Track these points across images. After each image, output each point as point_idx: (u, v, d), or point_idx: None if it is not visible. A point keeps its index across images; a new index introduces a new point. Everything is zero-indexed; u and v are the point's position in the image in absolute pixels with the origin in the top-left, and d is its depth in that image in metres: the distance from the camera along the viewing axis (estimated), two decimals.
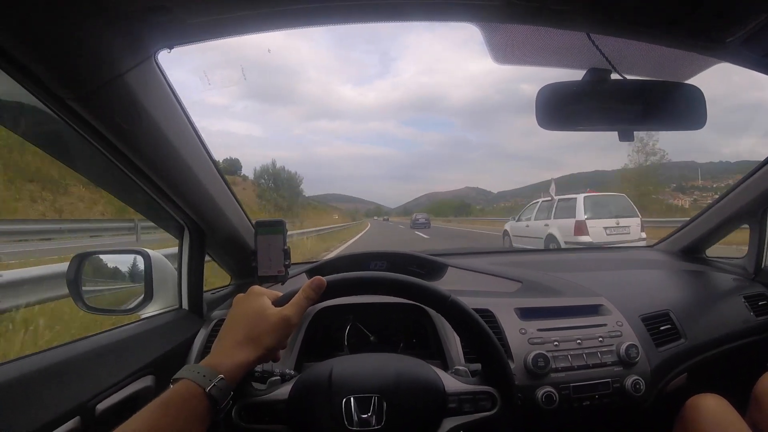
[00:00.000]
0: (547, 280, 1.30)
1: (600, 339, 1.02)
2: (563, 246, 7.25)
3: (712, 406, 0.94)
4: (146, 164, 0.79)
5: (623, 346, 0.99)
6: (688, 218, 1.70)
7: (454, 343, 1.00)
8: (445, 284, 1.30)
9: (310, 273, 1.29)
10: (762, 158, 1.30)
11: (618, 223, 7.59)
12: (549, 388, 0.93)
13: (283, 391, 0.69)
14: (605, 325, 1.06)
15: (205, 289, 1.13)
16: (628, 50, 0.79)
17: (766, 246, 1.47)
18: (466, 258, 1.59)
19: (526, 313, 1.07)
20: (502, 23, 0.71)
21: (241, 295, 0.67)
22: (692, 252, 1.66)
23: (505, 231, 10.91)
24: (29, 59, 0.55)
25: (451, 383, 0.71)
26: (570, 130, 0.82)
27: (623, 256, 1.85)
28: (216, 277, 1.46)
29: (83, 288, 0.98)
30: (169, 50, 0.67)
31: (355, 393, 0.66)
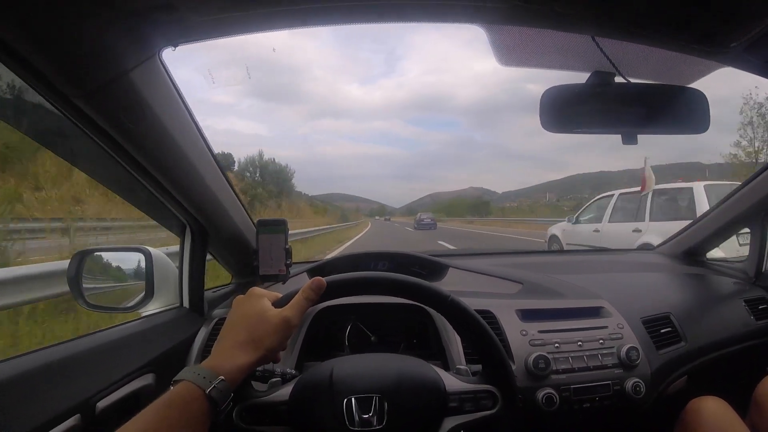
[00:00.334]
0: (548, 281, 1.30)
1: (601, 341, 1.02)
2: None
3: (712, 408, 0.94)
4: (149, 162, 0.79)
5: (624, 349, 1.00)
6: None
7: (455, 343, 1.00)
8: (446, 285, 1.30)
9: (311, 272, 1.29)
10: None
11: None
12: (549, 390, 0.93)
13: (284, 392, 0.69)
14: (606, 327, 1.06)
15: (206, 287, 1.13)
16: (632, 53, 0.79)
17: (767, 250, 1.47)
18: (467, 259, 1.60)
19: (527, 315, 1.07)
20: (507, 25, 0.71)
21: (241, 296, 0.67)
22: (693, 255, 1.66)
23: (553, 236, 8.27)
24: (34, 56, 0.55)
25: (451, 382, 0.71)
26: (573, 132, 0.82)
27: (624, 259, 1.85)
28: (215, 278, 1.46)
29: (84, 285, 0.98)
30: (173, 48, 0.67)
31: (356, 393, 0.66)
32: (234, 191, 1.07)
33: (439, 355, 1.02)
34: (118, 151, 0.75)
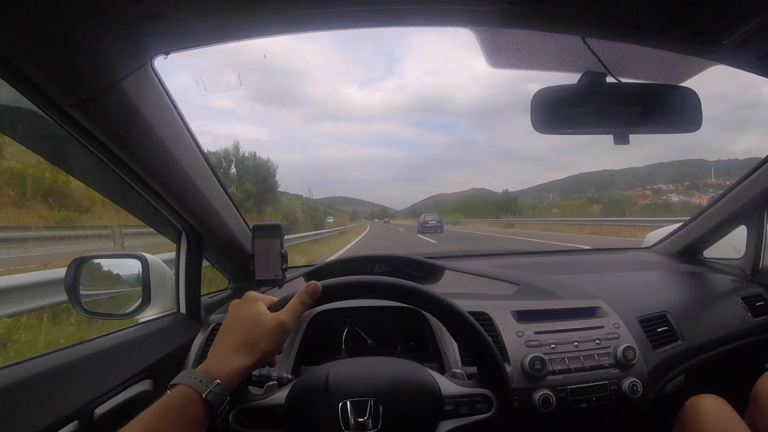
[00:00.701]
0: (544, 282, 1.30)
1: (597, 341, 1.02)
2: None
3: (711, 406, 0.94)
4: (143, 169, 0.80)
5: (620, 348, 1.00)
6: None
7: (451, 346, 1.00)
8: (442, 287, 1.30)
9: (307, 277, 1.29)
10: None
11: None
12: (546, 391, 0.93)
13: (280, 395, 0.69)
14: (602, 327, 1.06)
15: (202, 293, 1.13)
16: (623, 53, 0.79)
17: (763, 247, 1.47)
18: (463, 261, 1.60)
19: (523, 316, 1.07)
20: (497, 28, 0.71)
21: (237, 300, 0.67)
22: (690, 253, 1.66)
23: None
24: (26, 66, 0.56)
25: (447, 386, 0.71)
26: (565, 133, 0.82)
27: (620, 258, 1.85)
28: (212, 283, 1.46)
29: (81, 292, 0.98)
30: (165, 56, 0.67)
31: (352, 397, 0.66)
32: (229, 196, 1.07)
33: (435, 358, 1.02)
34: (111, 158, 0.75)
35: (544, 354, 0.97)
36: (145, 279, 1.01)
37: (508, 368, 0.95)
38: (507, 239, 15.84)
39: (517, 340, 1.01)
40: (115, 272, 1.09)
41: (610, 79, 0.80)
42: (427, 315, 1.06)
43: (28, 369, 0.67)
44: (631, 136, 0.81)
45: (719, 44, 0.69)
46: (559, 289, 1.24)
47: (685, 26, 0.65)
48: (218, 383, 0.56)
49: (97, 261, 1.06)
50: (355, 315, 1.11)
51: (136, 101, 0.68)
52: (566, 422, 0.98)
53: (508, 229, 26.48)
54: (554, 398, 0.93)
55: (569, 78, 0.82)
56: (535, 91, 0.79)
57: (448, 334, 0.98)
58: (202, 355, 0.99)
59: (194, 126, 0.86)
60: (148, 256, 1.03)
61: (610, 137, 0.82)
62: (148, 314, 1.03)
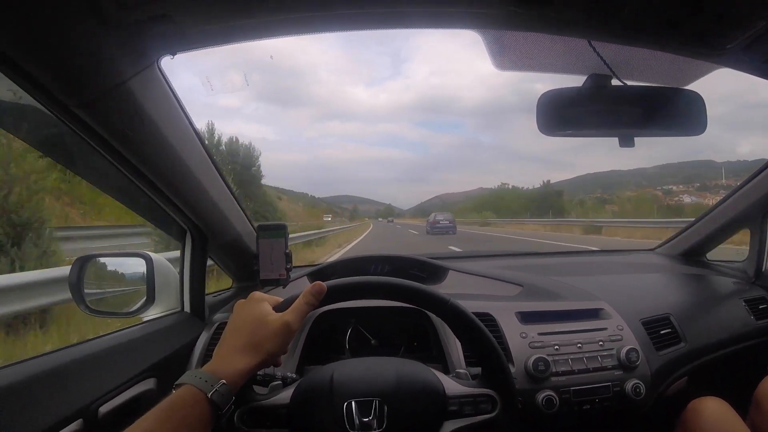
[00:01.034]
0: (547, 283, 1.30)
1: (600, 343, 1.02)
2: None
3: (713, 409, 0.94)
4: (149, 169, 0.80)
5: (624, 350, 1.00)
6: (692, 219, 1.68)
7: (455, 346, 1.00)
8: (445, 288, 1.30)
9: (312, 277, 1.29)
10: None
11: None
12: (549, 392, 0.93)
13: (285, 395, 0.69)
14: (606, 329, 1.06)
15: (206, 292, 1.13)
16: (628, 56, 0.79)
17: (766, 250, 1.47)
18: (467, 261, 1.60)
19: (527, 317, 1.08)
20: (503, 30, 0.72)
21: (242, 300, 0.67)
22: (693, 255, 1.66)
23: None
24: (33, 66, 0.56)
25: (451, 386, 0.71)
26: (570, 135, 0.83)
27: (624, 260, 1.85)
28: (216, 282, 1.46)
29: (85, 291, 0.99)
30: (171, 57, 0.67)
31: (356, 397, 0.66)
32: (234, 196, 1.07)
33: (439, 358, 1.02)
34: (118, 158, 0.75)
35: (548, 355, 0.97)
36: (149, 278, 1.01)
37: (512, 369, 0.95)
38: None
39: (521, 342, 1.01)
40: (119, 271, 1.09)
41: (615, 82, 0.80)
42: (431, 315, 1.06)
43: (32, 367, 0.67)
44: (636, 138, 0.81)
45: (724, 48, 0.69)
46: (562, 291, 1.24)
47: (690, 29, 0.65)
48: (224, 383, 0.57)
49: (101, 260, 1.06)
50: (358, 315, 1.11)
51: (142, 101, 0.69)
52: (569, 423, 0.98)
53: (555, 233, 18.93)
54: (557, 399, 0.93)
55: (575, 80, 0.82)
56: (541, 94, 0.79)
57: (451, 334, 0.99)
58: (206, 354, 0.99)
59: (200, 124, 0.86)
60: (152, 254, 1.03)
61: (617, 139, 0.82)
62: (153, 313, 1.04)
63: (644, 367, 1.01)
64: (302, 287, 0.68)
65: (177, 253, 1.10)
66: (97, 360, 0.78)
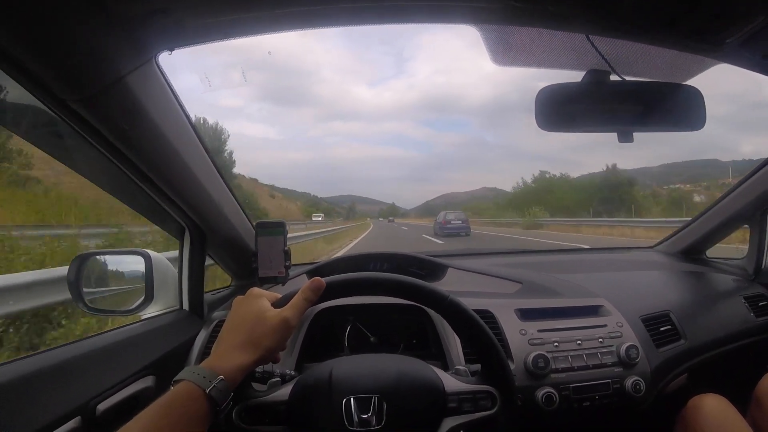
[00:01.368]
0: (547, 281, 1.30)
1: (600, 340, 1.02)
2: None
3: (713, 406, 0.94)
4: (147, 166, 0.80)
5: (623, 347, 1.00)
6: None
7: (454, 343, 1.00)
8: (445, 285, 1.30)
9: (310, 274, 1.29)
10: None
11: None
12: (549, 389, 0.93)
13: (284, 392, 0.69)
14: (605, 326, 1.06)
15: (205, 290, 1.13)
16: (627, 52, 0.79)
17: (766, 247, 1.47)
18: (466, 259, 1.60)
19: (527, 314, 1.07)
20: (501, 25, 0.71)
21: (241, 297, 0.67)
22: (692, 253, 1.66)
23: None
24: (31, 62, 0.56)
25: (450, 383, 0.71)
26: (569, 131, 0.82)
27: (623, 257, 1.85)
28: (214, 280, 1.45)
29: (84, 289, 0.99)
30: (169, 52, 0.67)
31: (355, 393, 0.66)
32: (233, 194, 1.07)
33: (438, 355, 1.02)
34: (116, 154, 0.75)
35: (548, 352, 0.97)
36: (148, 276, 1.01)
37: (512, 366, 0.95)
38: None
39: (521, 338, 1.01)
40: (118, 269, 1.09)
41: (613, 77, 0.80)
42: (431, 312, 1.06)
43: (31, 365, 0.67)
44: (639, 134, 0.81)
45: (723, 43, 0.68)
46: (562, 288, 1.24)
47: (688, 24, 0.65)
48: (222, 379, 0.56)
49: (100, 257, 1.06)
50: (357, 312, 1.11)
51: (140, 97, 0.68)
52: (569, 420, 0.98)
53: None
54: (557, 396, 0.93)
55: (575, 76, 0.82)
56: (539, 89, 0.78)
57: (451, 331, 0.98)
58: (205, 352, 0.99)
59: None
60: (151, 252, 1.03)
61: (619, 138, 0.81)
62: (151, 311, 1.03)
63: (644, 364, 1.01)
64: (301, 285, 0.68)
65: (175, 252, 1.10)
66: (96, 357, 0.78)
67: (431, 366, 0.74)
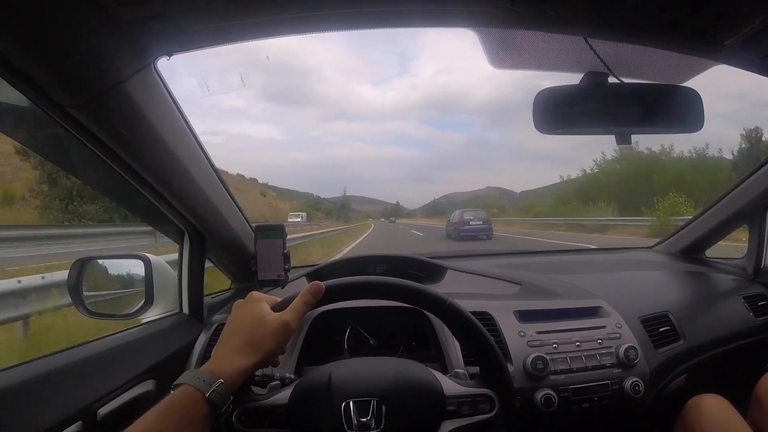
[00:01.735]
0: (546, 282, 1.30)
1: (599, 341, 1.02)
2: None
3: (713, 406, 0.94)
4: (146, 170, 0.80)
5: (622, 348, 1.00)
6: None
7: (453, 346, 1.00)
8: (444, 287, 1.30)
9: (310, 277, 1.29)
10: None
11: None
12: (548, 391, 0.93)
13: (283, 395, 0.69)
14: (604, 327, 1.06)
15: (205, 293, 1.13)
16: (625, 54, 0.79)
17: (765, 246, 1.47)
18: (465, 261, 1.60)
19: (525, 316, 1.08)
20: (500, 28, 0.71)
21: (240, 300, 0.67)
22: (691, 253, 1.66)
23: None
24: (29, 67, 0.56)
25: (449, 386, 0.71)
26: (567, 133, 0.82)
27: (622, 258, 1.85)
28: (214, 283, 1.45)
29: (84, 293, 0.99)
30: (168, 58, 0.67)
31: (355, 397, 0.66)
32: (232, 197, 1.07)
33: (437, 358, 1.02)
34: (114, 159, 0.75)
35: (546, 354, 0.97)
36: (148, 279, 1.01)
37: (511, 368, 0.95)
38: None
39: (520, 340, 1.01)
40: (118, 272, 1.09)
41: (612, 80, 0.80)
42: (430, 315, 1.06)
43: (32, 370, 0.67)
44: (638, 134, 0.81)
45: (722, 44, 0.69)
46: (561, 289, 1.24)
47: (688, 26, 0.65)
48: (222, 383, 0.57)
49: (100, 261, 1.06)
50: (357, 315, 1.11)
51: (138, 102, 0.68)
52: (568, 422, 0.99)
53: None
54: (556, 398, 0.93)
55: (572, 78, 0.82)
56: (537, 92, 0.79)
57: (450, 334, 0.99)
58: (205, 356, 0.99)
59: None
60: (151, 256, 1.03)
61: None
62: (151, 315, 1.03)
63: (643, 365, 1.01)
64: (300, 288, 0.68)
65: (175, 255, 1.10)
66: (96, 362, 0.78)
67: (430, 369, 0.74)
